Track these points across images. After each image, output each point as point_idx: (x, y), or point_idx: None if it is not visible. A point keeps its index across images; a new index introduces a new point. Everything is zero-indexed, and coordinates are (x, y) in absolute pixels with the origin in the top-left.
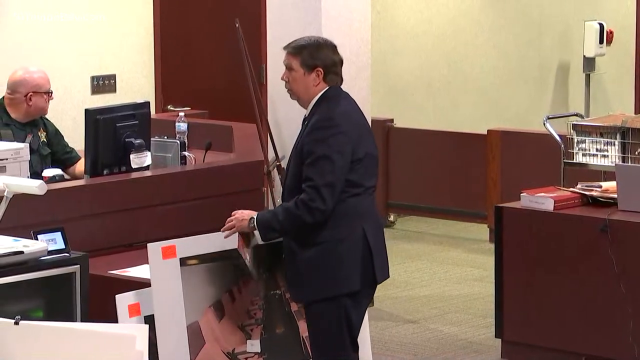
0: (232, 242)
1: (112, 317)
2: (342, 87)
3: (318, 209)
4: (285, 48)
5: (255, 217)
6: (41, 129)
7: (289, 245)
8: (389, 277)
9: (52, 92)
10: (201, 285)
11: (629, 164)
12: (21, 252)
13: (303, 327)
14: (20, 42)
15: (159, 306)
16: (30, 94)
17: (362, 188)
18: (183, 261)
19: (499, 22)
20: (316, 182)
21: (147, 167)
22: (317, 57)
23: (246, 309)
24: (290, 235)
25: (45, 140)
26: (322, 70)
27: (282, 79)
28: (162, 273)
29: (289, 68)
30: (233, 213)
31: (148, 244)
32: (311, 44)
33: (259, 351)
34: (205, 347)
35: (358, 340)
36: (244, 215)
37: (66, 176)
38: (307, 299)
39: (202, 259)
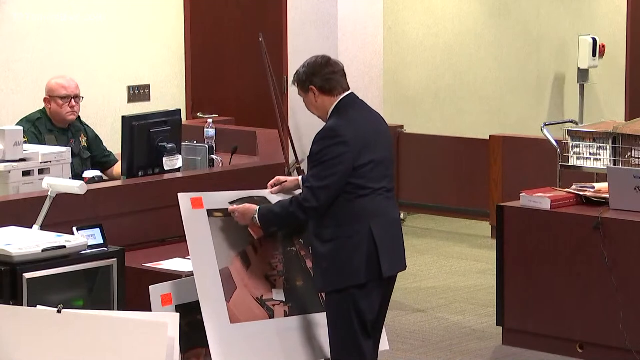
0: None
1: (146, 306)
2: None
3: (311, 208)
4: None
5: (257, 212)
6: (82, 135)
7: (311, 240)
8: (404, 269)
9: (73, 99)
10: (227, 236)
11: (620, 166)
12: (63, 247)
13: None
14: (70, 55)
15: (193, 250)
16: (47, 97)
17: (369, 190)
18: (210, 212)
19: (500, 36)
20: (312, 184)
21: (178, 169)
22: (307, 79)
23: (268, 261)
24: (289, 229)
25: (85, 144)
26: (314, 87)
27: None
28: (193, 220)
29: (301, 96)
30: (235, 207)
31: (179, 194)
32: (303, 70)
33: (284, 300)
34: (237, 291)
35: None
36: (248, 210)
37: (105, 177)
38: (323, 289)
39: (226, 212)
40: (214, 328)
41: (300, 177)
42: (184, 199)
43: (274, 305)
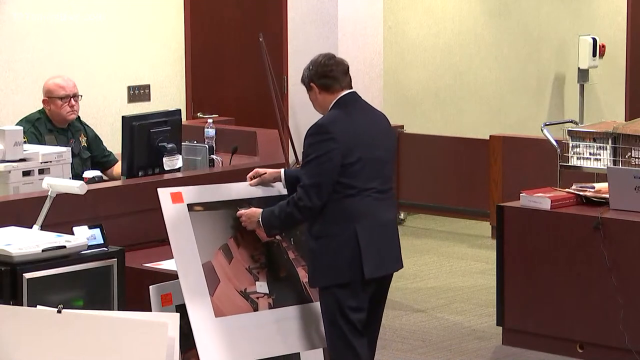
0: (232, 194)
1: (146, 306)
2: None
3: (305, 207)
4: None
5: (260, 215)
6: (82, 135)
7: (306, 235)
8: (395, 270)
9: (72, 98)
10: (208, 230)
11: (620, 166)
12: (63, 247)
13: (302, 274)
14: (70, 55)
15: (175, 245)
16: (45, 99)
17: (356, 190)
18: (190, 207)
19: (500, 37)
20: (304, 182)
21: (178, 169)
22: (308, 76)
23: (250, 254)
24: (290, 230)
25: (85, 144)
26: (314, 85)
27: None
28: (174, 216)
29: (308, 94)
30: (243, 212)
31: (158, 189)
32: (306, 69)
33: (268, 292)
34: (220, 285)
35: None
36: (254, 214)
37: (104, 177)
38: (312, 285)
39: (207, 206)
40: (198, 323)
41: (282, 170)
42: (164, 194)
43: (257, 298)
